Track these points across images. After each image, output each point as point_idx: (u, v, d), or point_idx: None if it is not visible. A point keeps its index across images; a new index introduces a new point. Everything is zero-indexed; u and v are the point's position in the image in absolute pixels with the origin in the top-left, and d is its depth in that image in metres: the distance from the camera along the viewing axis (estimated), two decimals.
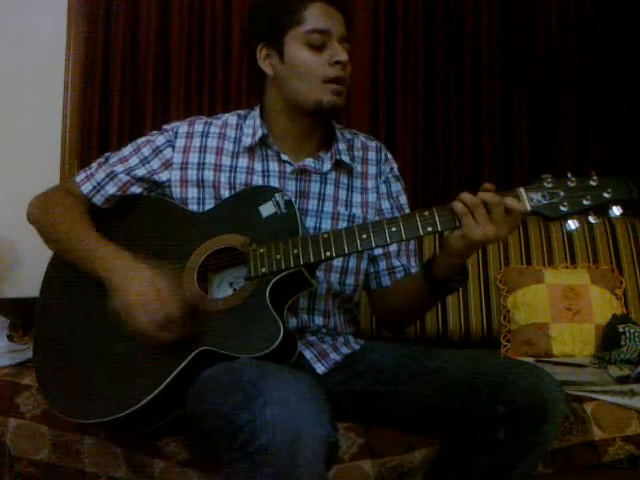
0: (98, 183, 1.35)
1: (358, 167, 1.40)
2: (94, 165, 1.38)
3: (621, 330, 1.86)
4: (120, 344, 1.20)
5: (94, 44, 2.29)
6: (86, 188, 1.35)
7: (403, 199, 1.45)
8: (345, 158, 1.37)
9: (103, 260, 1.19)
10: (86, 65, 2.28)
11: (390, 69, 2.42)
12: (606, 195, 1.08)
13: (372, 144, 1.45)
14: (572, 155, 2.45)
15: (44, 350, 1.30)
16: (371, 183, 1.41)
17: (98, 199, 1.35)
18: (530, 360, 1.79)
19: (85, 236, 1.26)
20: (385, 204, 1.42)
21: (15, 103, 2.21)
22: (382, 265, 1.39)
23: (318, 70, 1.26)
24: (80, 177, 1.37)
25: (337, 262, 1.33)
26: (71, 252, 1.27)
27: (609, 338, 1.88)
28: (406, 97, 2.42)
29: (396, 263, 1.39)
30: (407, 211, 1.43)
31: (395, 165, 1.47)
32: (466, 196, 1.10)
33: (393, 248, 1.39)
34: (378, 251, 1.39)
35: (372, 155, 1.43)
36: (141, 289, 1.13)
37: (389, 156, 1.47)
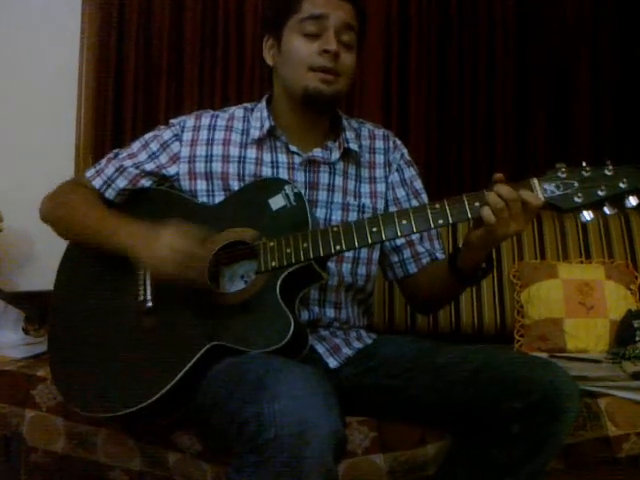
0: (109, 178, 1.36)
1: (366, 156, 1.40)
2: (103, 161, 1.40)
3: (636, 325, 1.84)
4: (133, 339, 1.21)
5: (107, 35, 2.28)
6: (97, 183, 1.36)
7: (418, 184, 1.43)
8: (353, 146, 1.36)
9: (126, 232, 1.20)
10: (100, 56, 2.28)
11: (403, 60, 2.40)
12: (622, 185, 1.06)
13: (379, 132, 1.44)
14: (588, 147, 2.41)
15: (58, 345, 1.31)
16: (379, 172, 1.40)
17: (110, 193, 1.36)
18: (544, 355, 1.78)
19: (104, 217, 1.28)
20: (400, 192, 1.41)
21: (29, 99, 2.22)
22: (407, 253, 1.39)
23: (306, 58, 1.26)
24: (90, 173, 1.39)
25: (348, 252, 1.33)
26: (91, 236, 1.27)
27: (624, 334, 1.86)
28: (419, 88, 2.40)
29: (421, 249, 1.39)
30: (423, 196, 1.42)
31: (405, 150, 1.46)
32: (492, 198, 1.08)
33: (416, 235, 1.38)
34: (401, 240, 1.38)
35: (380, 144, 1.42)
36: (161, 245, 1.15)
37: (398, 142, 1.46)
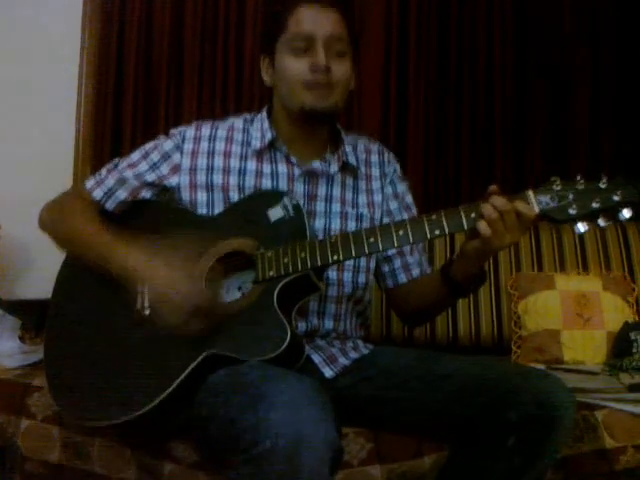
0: (109, 189, 1.36)
1: (362, 169, 1.42)
2: (104, 171, 1.40)
3: (633, 337, 1.84)
4: (129, 348, 1.21)
5: (108, 42, 2.29)
6: (97, 194, 1.37)
7: (409, 198, 1.47)
8: (352, 160, 1.39)
9: (119, 258, 1.20)
10: (99, 64, 2.29)
11: (402, 72, 2.42)
12: (615, 198, 1.07)
13: (374, 147, 1.47)
14: (586, 164, 2.41)
15: (54, 354, 1.30)
16: (376, 184, 1.43)
17: (110, 205, 1.37)
18: (541, 367, 1.78)
19: (99, 236, 1.26)
20: (393, 204, 1.44)
21: (28, 105, 2.23)
22: (397, 263, 1.41)
23: (298, 75, 1.27)
24: (90, 183, 1.39)
25: (349, 261, 1.33)
26: (86, 253, 1.28)
27: (621, 345, 1.87)
28: (417, 100, 2.41)
29: (411, 260, 1.41)
30: (414, 210, 1.46)
31: (398, 166, 1.49)
32: (487, 209, 1.09)
33: (406, 247, 1.39)
34: (392, 250, 1.39)
35: (375, 158, 1.45)
36: (164, 283, 1.15)
37: (391, 157, 1.49)
